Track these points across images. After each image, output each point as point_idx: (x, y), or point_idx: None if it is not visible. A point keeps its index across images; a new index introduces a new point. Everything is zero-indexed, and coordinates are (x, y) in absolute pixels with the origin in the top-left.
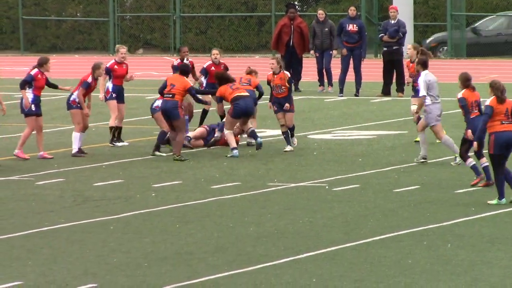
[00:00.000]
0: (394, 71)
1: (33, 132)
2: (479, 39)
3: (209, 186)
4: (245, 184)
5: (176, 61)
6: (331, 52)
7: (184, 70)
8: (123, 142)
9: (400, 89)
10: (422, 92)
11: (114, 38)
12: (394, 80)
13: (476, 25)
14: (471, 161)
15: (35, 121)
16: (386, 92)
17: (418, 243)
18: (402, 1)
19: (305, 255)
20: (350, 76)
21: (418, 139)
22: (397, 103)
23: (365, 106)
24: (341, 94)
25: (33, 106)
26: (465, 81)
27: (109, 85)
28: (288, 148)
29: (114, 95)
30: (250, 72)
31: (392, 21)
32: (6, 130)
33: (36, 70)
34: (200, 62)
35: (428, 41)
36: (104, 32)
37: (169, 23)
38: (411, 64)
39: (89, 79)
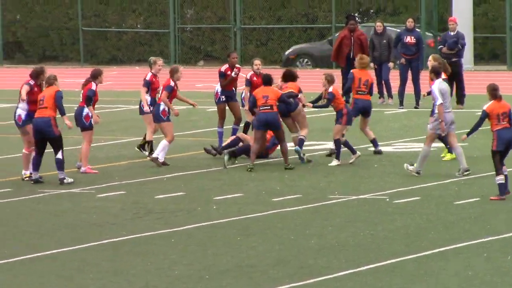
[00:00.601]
0: (454, 83)
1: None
2: None
3: (270, 199)
4: (307, 196)
5: (223, 67)
6: (389, 64)
7: (268, 80)
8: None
9: (461, 101)
10: (439, 100)
11: (175, 50)
12: (454, 92)
13: (332, 37)
14: (501, 178)
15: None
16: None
17: (478, 255)
18: (462, 13)
19: (366, 267)
20: (410, 88)
21: (444, 156)
22: (457, 115)
23: (426, 118)
24: (401, 106)
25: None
26: (492, 91)
27: (148, 98)
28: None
29: (151, 108)
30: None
31: (451, 33)
32: (67, 142)
33: (94, 84)
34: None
35: (286, 53)
36: (165, 43)
37: (230, 34)
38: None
39: (171, 83)
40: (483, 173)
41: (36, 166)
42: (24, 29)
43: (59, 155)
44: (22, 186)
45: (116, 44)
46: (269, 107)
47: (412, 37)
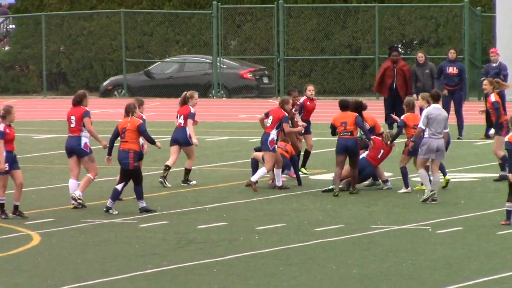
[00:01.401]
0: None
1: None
2: (152, 81)
3: (312, 229)
4: (349, 226)
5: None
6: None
7: (345, 105)
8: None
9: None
10: (420, 124)
11: (218, 81)
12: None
13: (149, 68)
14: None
15: None
16: (489, 135)
17: None
18: (505, 44)
19: None
20: (452, 119)
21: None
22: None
23: (469, 149)
24: None
25: None
26: None
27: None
28: (403, 190)
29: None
30: None
31: (494, 64)
32: (109, 172)
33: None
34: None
35: (104, 84)
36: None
37: (273, 65)
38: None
39: (192, 110)
40: None
41: (116, 196)
42: (68, 60)
43: (120, 186)
44: (65, 216)
45: None
46: (349, 134)
47: (455, 68)
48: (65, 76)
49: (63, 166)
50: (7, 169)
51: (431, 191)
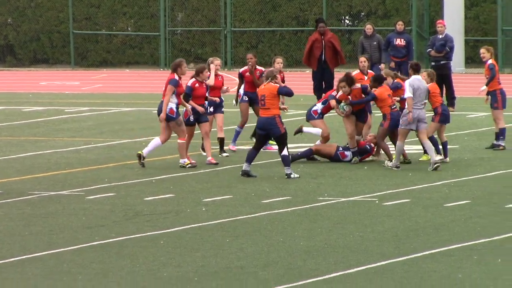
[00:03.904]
0: (443, 85)
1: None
2: None
3: (259, 201)
4: (296, 198)
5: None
6: (379, 66)
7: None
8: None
9: (450, 103)
10: (407, 93)
11: (165, 53)
12: (444, 95)
13: None
14: None
15: (191, 129)
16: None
17: (469, 258)
18: (453, 16)
19: (355, 269)
20: None
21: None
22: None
23: None
24: None
25: (191, 116)
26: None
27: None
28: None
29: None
30: None
31: (440, 36)
32: (57, 144)
33: (193, 79)
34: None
35: None
36: (155, 46)
37: (220, 37)
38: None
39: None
40: (474, 175)
41: (251, 159)
42: (15, 32)
43: (285, 152)
44: (12, 189)
45: (106, 47)
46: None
47: (402, 39)
48: (13, 48)
49: (11, 138)
50: None
51: (434, 162)
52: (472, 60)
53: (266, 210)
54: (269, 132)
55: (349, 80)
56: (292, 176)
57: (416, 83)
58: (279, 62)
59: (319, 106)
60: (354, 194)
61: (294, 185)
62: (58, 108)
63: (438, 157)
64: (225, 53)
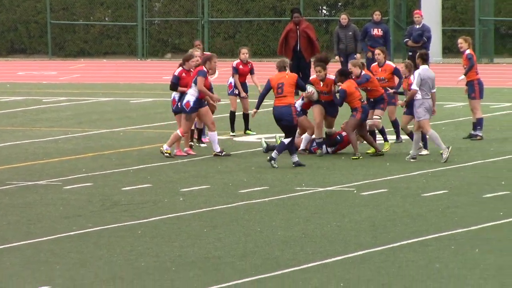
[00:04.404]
0: None
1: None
2: None
3: (237, 191)
4: (273, 188)
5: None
6: (355, 56)
7: (345, 73)
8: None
9: None
10: (414, 85)
11: (142, 43)
12: None
13: None
14: None
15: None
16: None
17: (446, 248)
18: (430, 6)
19: (332, 259)
20: None
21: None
22: None
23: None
24: None
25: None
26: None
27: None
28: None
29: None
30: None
31: (417, 26)
32: (35, 134)
33: (180, 68)
34: (228, 66)
35: None
36: (132, 36)
37: (198, 27)
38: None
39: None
40: (451, 165)
41: (292, 151)
42: None
43: (287, 140)
44: None
45: (83, 37)
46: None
47: (379, 29)
48: None
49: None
50: None
51: (444, 150)
52: (450, 50)
53: (243, 200)
54: (282, 120)
55: (324, 65)
56: (273, 163)
57: (426, 73)
58: (244, 52)
59: (298, 103)
60: (332, 184)
61: (271, 175)
62: (36, 98)
63: (424, 151)
64: (202, 43)
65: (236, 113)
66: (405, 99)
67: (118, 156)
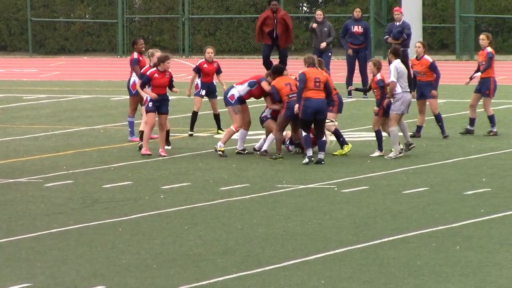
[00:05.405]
0: None
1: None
2: None
3: (217, 188)
4: (254, 186)
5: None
6: (329, 53)
7: (277, 71)
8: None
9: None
10: (392, 77)
11: (123, 40)
12: None
13: None
14: None
15: (151, 116)
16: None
17: (427, 245)
18: (411, 3)
19: (314, 256)
20: (357, 78)
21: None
22: None
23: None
24: (349, 96)
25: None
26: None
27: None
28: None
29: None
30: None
31: (397, 23)
32: (15, 132)
33: (153, 69)
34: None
35: None
36: (113, 33)
37: (178, 24)
38: (417, 61)
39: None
40: (432, 162)
41: (310, 144)
42: None
43: (324, 138)
44: None
45: (64, 34)
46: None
47: (360, 27)
48: None
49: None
50: None
51: (396, 149)
52: (430, 47)
53: (224, 197)
54: (320, 114)
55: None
56: (322, 162)
57: (401, 66)
58: (209, 52)
59: (267, 112)
60: (313, 181)
61: (252, 172)
62: (16, 95)
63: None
64: (182, 40)
65: (198, 114)
66: (387, 95)
67: (98, 153)
